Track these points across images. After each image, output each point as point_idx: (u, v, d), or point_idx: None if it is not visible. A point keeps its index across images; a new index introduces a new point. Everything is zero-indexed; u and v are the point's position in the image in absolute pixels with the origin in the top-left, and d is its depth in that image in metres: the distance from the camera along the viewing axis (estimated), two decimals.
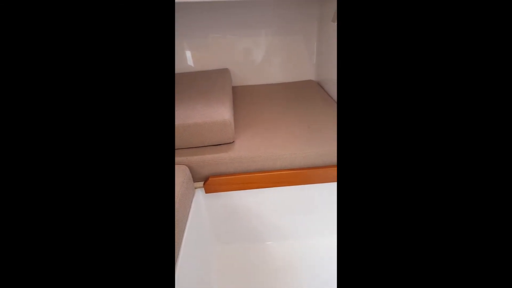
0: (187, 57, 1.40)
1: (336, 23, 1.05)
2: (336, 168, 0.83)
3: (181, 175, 0.73)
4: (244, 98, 1.21)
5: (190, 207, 0.75)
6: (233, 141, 0.86)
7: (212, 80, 1.14)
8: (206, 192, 0.83)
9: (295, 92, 1.25)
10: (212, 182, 0.82)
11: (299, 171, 0.83)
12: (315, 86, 1.30)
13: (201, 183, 0.84)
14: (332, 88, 1.19)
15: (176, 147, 0.82)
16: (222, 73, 1.25)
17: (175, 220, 0.61)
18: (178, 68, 1.40)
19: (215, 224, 0.94)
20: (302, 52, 1.37)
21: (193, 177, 0.82)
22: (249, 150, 0.83)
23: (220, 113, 0.82)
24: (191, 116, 0.81)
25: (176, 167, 0.76)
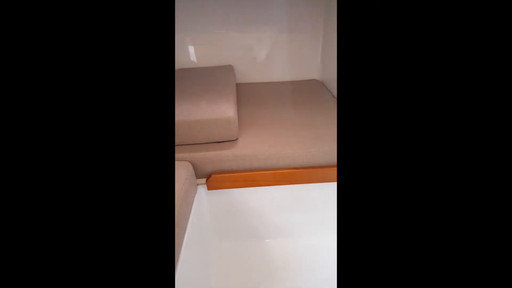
0: (190, 53, 1.39)
1: None
2: None
3: (184, 171, 0.73)
4: (247, 95, 1.21)
5: (192, 203, 0.75)
6: (236, 139, 0.85)
7: (216, 77, 1.13)
8: (209, 189, 0.83)
9: (299, 91, 1.25)
10: (215, 179, 0.82)
11: (301, 170, 0.83)
12: (319, 85, 1.30)
13: (204, 180, 0.84)
14: (336, 87, 1.19)
15: (179, 143, 0.82)
16: (226, 70, 1.25)
17: (178, 216, 0.61)
18: (181, 63, 1.39)
19: (216, 220, 0.94)
20: (307, 51, 1.36)
21: (195, 173, 0.82)
22: (252, 148, 0.83)
23: (224, 110, 0.82)
24: (195, 112, 0.81)
25: (179, 163, 0.76)
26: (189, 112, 0.81)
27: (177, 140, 0.81)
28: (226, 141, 0.85)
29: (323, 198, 0.92)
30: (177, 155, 0.80)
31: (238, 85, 1.33)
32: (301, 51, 1.36)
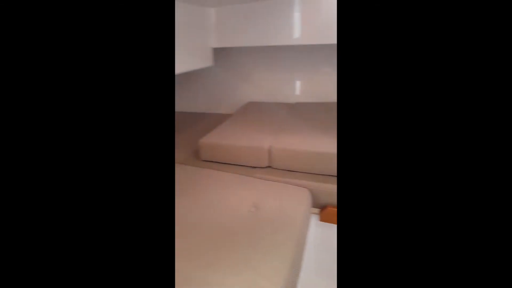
0: (296, 87, 1.51)
1: None
2: None
3: (305, 198, 0.76)
4: None
5: (308, 230, 0.76)
6: None
7: (329, 112, 1.18)
8: (321, 220, 0.84)
9: None
10: (330, 212, 0.82)
11: None
12: None
13: (316, 210, 0.85)
14: None
15: (300, 170, 0.87)
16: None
17: (298, 239, 0.63)
18: (286, 96, 1.50)
19: (318, 254, 0.92)
20: None
21: None
22: None
23: None
24: (317, 144, 0.85)
25: (300, 189, 0.80)
26: (310, 143, 0.86)
27: (299, 167, 0.86)
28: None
29: None
30: (297, 181, 0.84)
31: None
32: None
